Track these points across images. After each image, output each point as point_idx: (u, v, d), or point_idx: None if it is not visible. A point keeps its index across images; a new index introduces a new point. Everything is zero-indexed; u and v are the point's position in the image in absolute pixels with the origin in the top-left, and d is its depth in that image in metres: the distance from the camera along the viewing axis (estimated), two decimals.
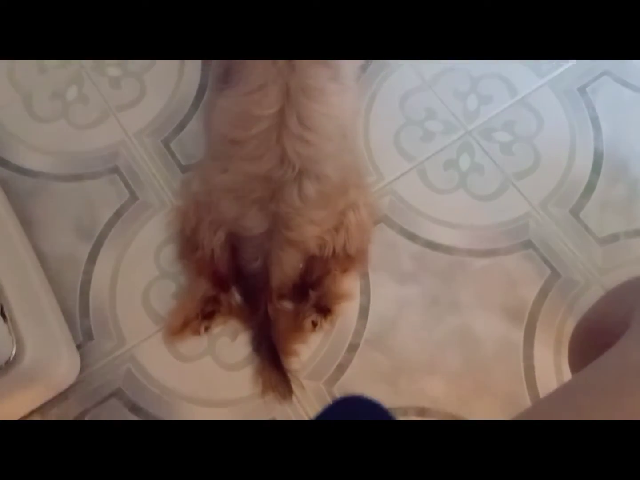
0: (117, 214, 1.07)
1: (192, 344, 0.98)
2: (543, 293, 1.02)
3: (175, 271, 1.03)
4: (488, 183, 1.09)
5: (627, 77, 1.16)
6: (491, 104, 1.14)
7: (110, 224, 1.07)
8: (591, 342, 0.66)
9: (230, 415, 0.95)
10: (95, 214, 1.07)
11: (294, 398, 0.94)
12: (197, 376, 0.97)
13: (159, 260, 1.04)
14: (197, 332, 0.96)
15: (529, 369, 0.97)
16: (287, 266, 0.92)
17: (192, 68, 1.17)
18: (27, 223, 1.06)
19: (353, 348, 0.99)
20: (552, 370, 0.97)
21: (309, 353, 0.98)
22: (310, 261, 0.94)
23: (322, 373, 0.97)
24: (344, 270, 0.98)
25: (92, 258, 1.05)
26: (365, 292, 1.02)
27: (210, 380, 0.97)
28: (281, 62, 0.89)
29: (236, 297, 0.98)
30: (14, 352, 0.85)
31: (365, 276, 1.03)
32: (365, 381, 0.97)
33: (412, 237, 1.06)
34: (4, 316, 0.88)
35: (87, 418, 0.94)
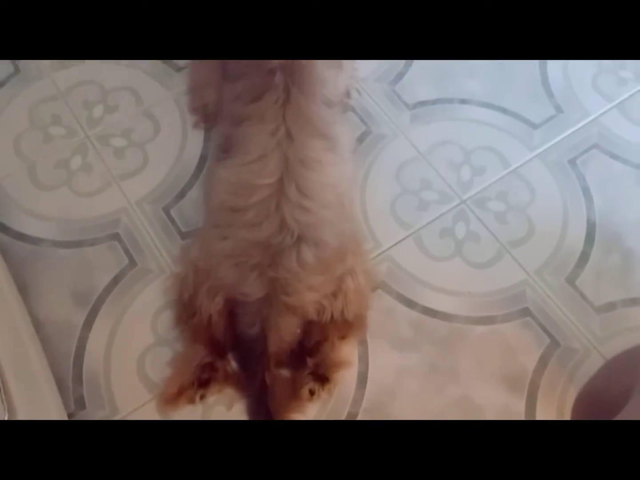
0: (115, 280, 1.07)
1: (186, 413, 0.96)
2: (543, 362, 1.01)
3: (172, 338, 1.02)
4: (484, 251, 1.10)
5: (616, 149, 1.20)
6: (484, 174, 1.18)
7: (107, 290, 1.07)
8: (594, 413, 0.65)
9: None
10: (93, 280, 1.08)
11: None
12: None
13: (156, 326, 1.03)
14: (192, 401, 0.94)
15: None
16: (285, 332, 0.91)
17: (194, 139, 1.21)
18: (24, 288, 1.05)
19: (351, 417, 0.97)
20: None
21: None
22: (308, 327, 0.93)
23: None
24: (342, 337, 0.97)
25: (88, 324, 1.04)
26: (364, 359, 1.01)
27: None
28: (280, 134, 0.93)
29: (233, 364, 0.97)
30: (5, 418, 0.82)
31: (363, 343, 1.02)
32: None
33: (410, 303, 1.06)
34: None
35: None
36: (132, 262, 1.09)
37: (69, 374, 0.99)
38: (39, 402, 0.90)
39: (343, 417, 0.96)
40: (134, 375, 0.99)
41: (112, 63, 1.29)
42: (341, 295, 0.93)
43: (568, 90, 1.26)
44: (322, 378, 0.95)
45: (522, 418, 0.96)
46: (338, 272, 0.94)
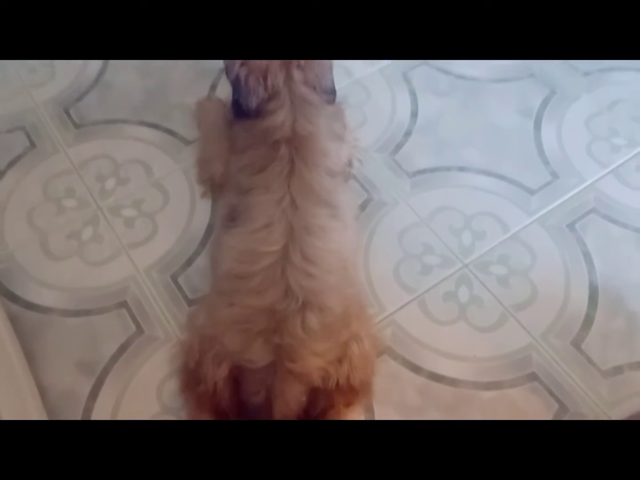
0: (122, 349, 1.08)
1: None
2: None
3: (177, 406, 1.01)
4: (488, 315, 1.11)
5: (613, 214, 1.22)
6: (485, 239, 1.20)
7: (114, 359, 1.07)
8: None
9: None
10: (99, 348, 1.08)
11: None
12: None
13: (161, 395, 1.03)
14: None
15: None
16: (290, 399, 0.90)
17: (202, 209, 1.25)
18: (31, 356, 1.06)
19: None
20: None
21: None
22: (314, 394, 0.93)
23: None
24: (348, 404, 0.96)
25: (94, 394, 1.04)
26: None
27: None
28: (285, 203, 0.96)
29: None
30: None
31: (369, 409, 1.01)
32: None
33: (415, 369, 1.05)
34: None
35: None
36: (140, 330, 1.10)
37: None
38: None
39: None
40: None
41: (124, 138, 1.35)
42: (346, 361, 0.93)
43: (563, 157, 1.30)
44: None
45: None
46: (343, 337, 0.94)
